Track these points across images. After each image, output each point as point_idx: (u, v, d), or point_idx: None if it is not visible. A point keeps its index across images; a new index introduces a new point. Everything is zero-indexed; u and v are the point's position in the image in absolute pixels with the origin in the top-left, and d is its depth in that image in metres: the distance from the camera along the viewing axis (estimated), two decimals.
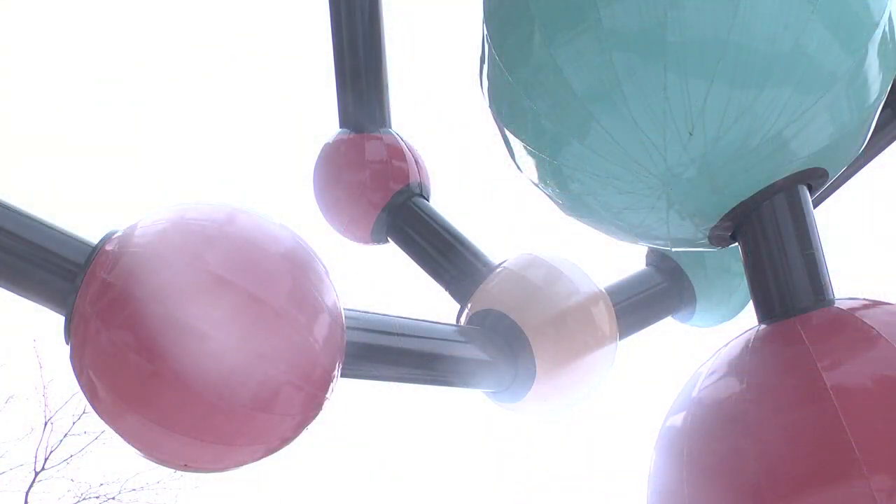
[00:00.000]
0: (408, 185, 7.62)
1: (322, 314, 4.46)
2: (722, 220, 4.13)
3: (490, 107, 4.57)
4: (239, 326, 4.17)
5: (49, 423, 22.00)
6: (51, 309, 4.41)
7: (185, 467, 4.45)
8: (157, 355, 4.07)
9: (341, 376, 4.63)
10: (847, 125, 3.99)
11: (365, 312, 5.32)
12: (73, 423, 21.95)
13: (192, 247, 4.28)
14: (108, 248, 4.34)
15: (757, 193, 4.03)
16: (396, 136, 7.88)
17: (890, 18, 3.96)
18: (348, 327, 4.70)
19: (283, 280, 4.38)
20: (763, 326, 4.07)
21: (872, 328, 3.72)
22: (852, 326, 3.80)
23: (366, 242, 7.90)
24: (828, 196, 5.64)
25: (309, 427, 4.59)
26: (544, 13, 4.00)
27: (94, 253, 4.35)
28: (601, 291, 6.57)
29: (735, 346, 4.03)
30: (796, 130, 3.86)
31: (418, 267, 7.32)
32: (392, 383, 5.65)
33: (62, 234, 4.40)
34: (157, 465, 4.56)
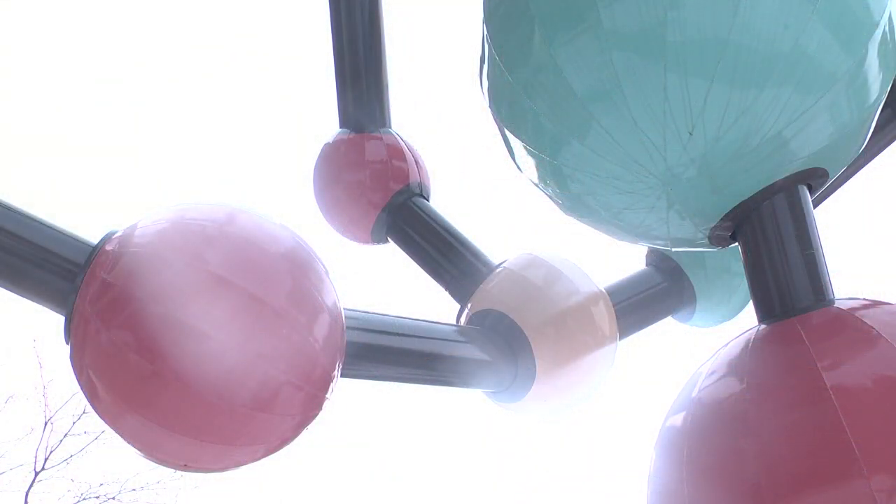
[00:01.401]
0: (408, 185, 7.62)
1: (322, 314, 4.46)
2: (722, 220, 4.13)
3: (490, 107, 4.57)
4: (239, 326, 4.17)
5: (49, 423, 22.02)
6: (51, 309, 4.41)
7: (185, 467, 4.45)
8: (157, 355, 4.07)
9: (341, 376, 4.63)
10: (847, 125, 3.99)
11: (365, 312, 5.33)
12: (73, 423, 21.98)
13: (192, 247, 4.28)
14: (108, 248, 4.34)
15: (757, 193, 4.03)
16: (396, 136, 7.88)
17: (890, 18, 3.96)
18: (348, 327, 4.70)
19: (283, 280, 4.38)
20: (763, 326, 4.07)
21: (872, 328, 3.72)
22: (852, 326, 3.80)
23: (366, 242, 7.90)
24: (828, 196, 5.64)
25: (309, 427, 4.59)
26: (544, 13, 4.01)
27: (94, 253, 4.35)
28: (601, 291, 6.57)
29: (735, 346, 4.04)
30: (796, 130, 3.86)
31: (418, 267, 7.32)
32: (392, 383, 5.65)
33: (62, 234, 4.40)
34: (157, 465, 4.56)
